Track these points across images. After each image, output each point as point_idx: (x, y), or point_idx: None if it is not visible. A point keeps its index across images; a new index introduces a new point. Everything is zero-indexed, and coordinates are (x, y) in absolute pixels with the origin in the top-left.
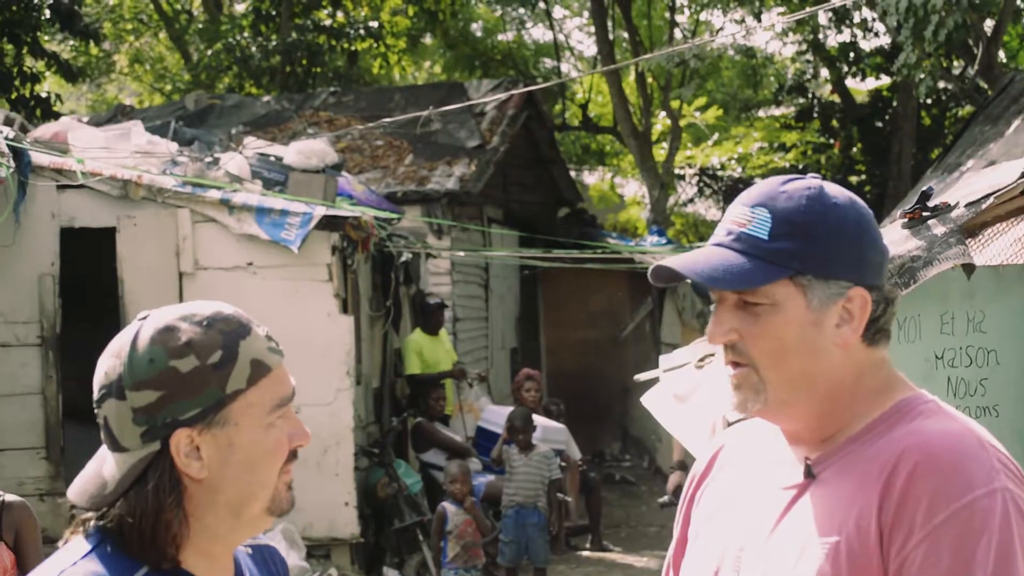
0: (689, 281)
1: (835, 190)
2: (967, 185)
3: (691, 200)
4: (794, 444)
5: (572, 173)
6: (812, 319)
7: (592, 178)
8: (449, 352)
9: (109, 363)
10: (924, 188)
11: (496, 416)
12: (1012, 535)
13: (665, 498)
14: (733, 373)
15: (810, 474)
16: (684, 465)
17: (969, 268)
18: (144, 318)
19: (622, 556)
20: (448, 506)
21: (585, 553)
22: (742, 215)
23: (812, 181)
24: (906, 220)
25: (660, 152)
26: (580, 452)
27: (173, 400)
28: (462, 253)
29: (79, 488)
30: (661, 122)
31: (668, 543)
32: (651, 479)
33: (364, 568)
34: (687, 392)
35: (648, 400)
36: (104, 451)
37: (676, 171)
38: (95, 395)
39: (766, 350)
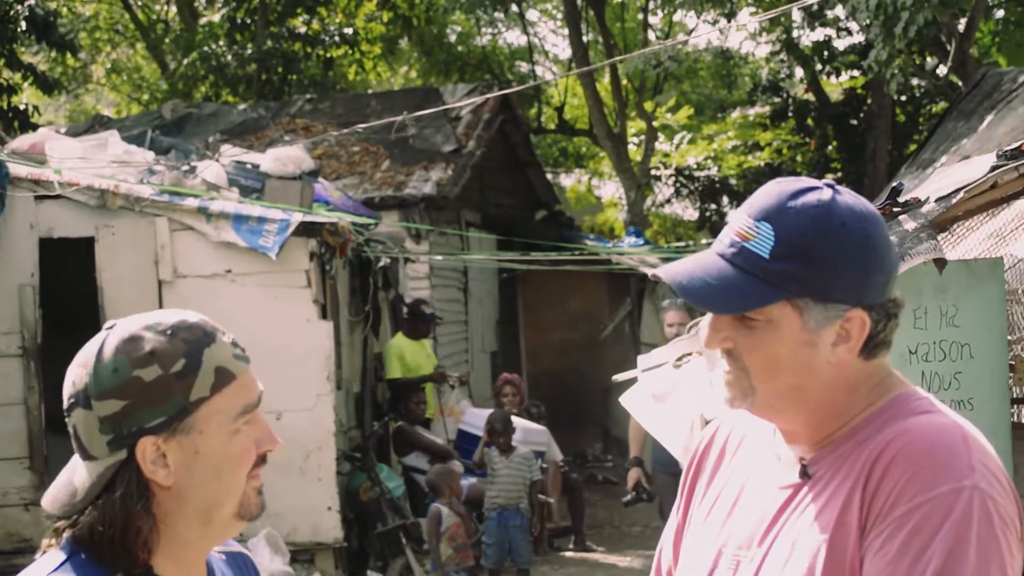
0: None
1: (845, 206)
2: (938, 180)
3: (668, 201)
4: (791, 443)
5: (549, 176)
6: (806, 339)
7: (569, 180)
8: (430, 356)
9: (76, 373)
10: (895, 184)
11: (477, 419)
12: (968, 535)
13: (628, 496)
14: (727, 370)
15: (806, 475)
16: (640, 461)
17: (941, 263)
18: (111, 328)
19: (605, 556)
20: (442, 507)
21: (568, 554)
22: (747, 227)
23: (823, 195)
24: None
25: (635, 151)
26: (562, 453)
27: (138, 409)
28: (440, 257)
29: (51, 496)
30: (636, 124)
31: (651, 542)
32: None
33: (348, 572)
34: (665, 391)
35: (627, 400)
36: (76, 459)
37: (652, 172)
38: (64, 404)
39: (759, 363)
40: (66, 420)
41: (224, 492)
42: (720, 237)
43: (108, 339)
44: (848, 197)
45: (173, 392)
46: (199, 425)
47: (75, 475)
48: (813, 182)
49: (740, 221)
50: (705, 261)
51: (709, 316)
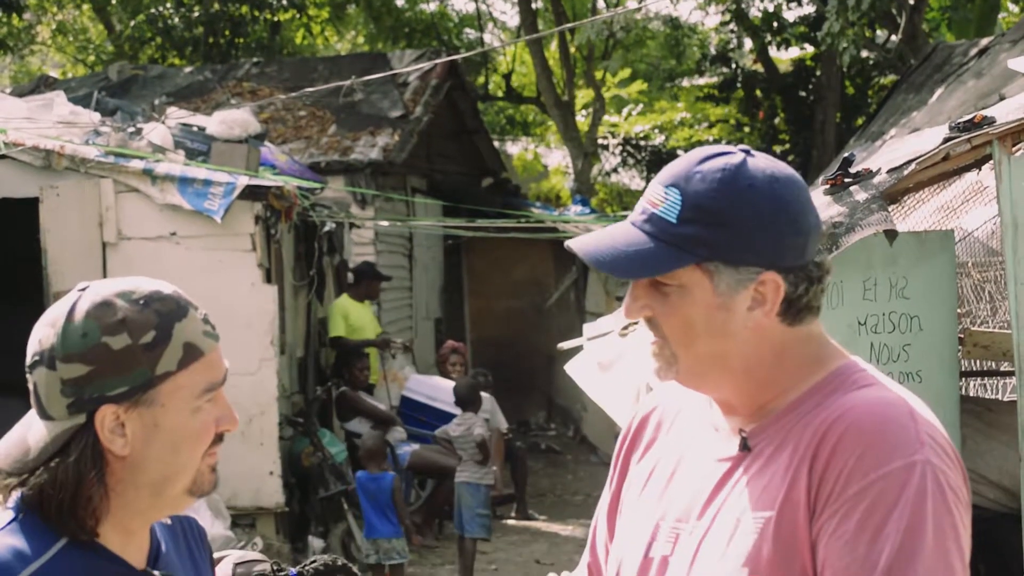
0: None
1: (756, 168)
2: (890, 152)
3: (615, 170)
4: (728, 414)
5: (495, 143)
6: (719, 303)
7: (515, 148)
8: (374, 321)
9: (44, 332)
10: (846, 154)
11: (420, 385)
12: (924, 510)
13: None
14: (652, 341)
15: (745, 447)
16: None
17: (891, 234)
18: (84, 289)
19: (547, 525)
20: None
21: (510, 522)
22: (656, 194)
23: (730, 159)
24: (828, 186)
25: (583, 121)
26: (506, 422)
27: (102, 376)
28: (386, 223)
29: (2, 451)
30: (584, 92)
31: (594, 511)
32: (576, 448)
33: (289, 537)
34: (611, 360)
35: (572, 369)
36: (32, 416)
37: (600, 141)
38: (27, 360)
39: (675, 329)
40: (27, 376)
41: (179, 467)
42: (636, 207)
43: (80, 302)
44: (761, 161)
45: (140, 363)
46: (162, 399)
47: (30, 432)
48: (728, 148)
49: (652, 190)
50: (617, 231)
51: (630, 286)
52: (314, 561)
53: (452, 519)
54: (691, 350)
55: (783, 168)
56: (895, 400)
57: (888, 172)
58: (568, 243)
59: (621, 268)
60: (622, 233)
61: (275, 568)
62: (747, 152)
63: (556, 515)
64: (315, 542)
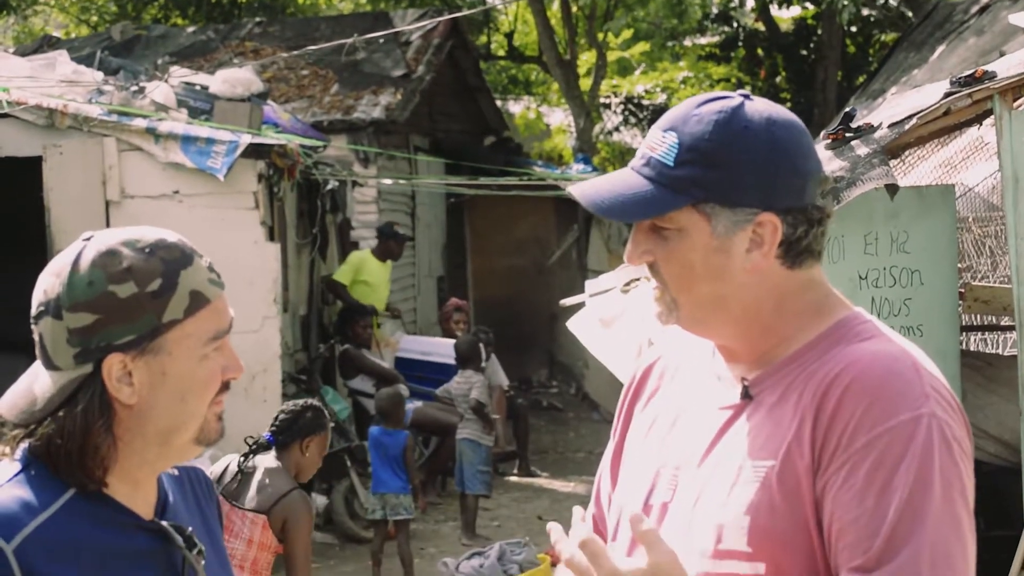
0: None
1: (754, 111)
2: (891, 107)
3: (616, 128)
4: (731, 362)
5: (497, 102)
6: (717, 245)
7: (517, 107)
8: (387, 284)
9: (49, 281)
10: (847, 109)
11: (413, 343)
12: (932, 462)
13: None
14: (654, 287)
15: (747, 395)
16: None
17: (892, 189)
18: (88, 239)
19: (549, 481)
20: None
21: (512, 479)
22: (655, 139)
23: (728, 103)
24: (829, 141)
25: (586, 81)
26: (507, 379)
27: (108, 324)
28: (388, 181)
29: (9, 402)
30: (587, 51)
31: (595, 468)
32: (578, 405)
33: None
34: (613, 316)
35: (574, 325)
36: (38, 367)
37: (602, 100)
38: (32, 311)
39: (675, 274)
40: (32, 327)
41: (187, 416)
42: (637, 153)
43: (85, 251)
44: (760, 104)
45: (146, 311)
46: (168, 347)
47: (36, 383)
48: (727, 93)
49: (651, 134)
50: (617, 176)
51: (631, 232)
52: (279, 413)
53: (454, 476)
54: (691, 294)
55: (782, 112)
56: (899, 353)
57: (889, 127)
58: (569, 189)
59: (618, 211)
60: (621, 178)
61: (251, 443)
62: (746, 96)
63: (558, 472)
64: (318, 499)
